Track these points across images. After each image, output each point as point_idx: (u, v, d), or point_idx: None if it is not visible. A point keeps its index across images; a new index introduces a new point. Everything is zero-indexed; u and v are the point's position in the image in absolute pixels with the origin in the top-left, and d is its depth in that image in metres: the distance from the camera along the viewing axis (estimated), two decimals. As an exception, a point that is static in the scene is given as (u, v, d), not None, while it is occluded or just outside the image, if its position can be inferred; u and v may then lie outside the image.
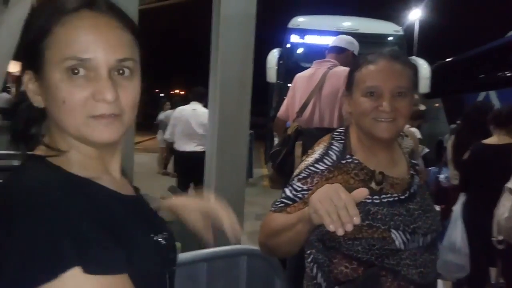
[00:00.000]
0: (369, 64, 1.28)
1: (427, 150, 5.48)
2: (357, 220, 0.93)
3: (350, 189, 0.99)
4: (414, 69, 1.34)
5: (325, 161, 1.26)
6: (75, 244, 0.60)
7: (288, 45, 8.45)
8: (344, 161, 1.26)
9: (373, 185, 1.25)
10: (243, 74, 2.56)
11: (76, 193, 0.67)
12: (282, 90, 7.23)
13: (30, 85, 0.74)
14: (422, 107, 5.37)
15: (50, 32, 0.70)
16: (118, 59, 0.72)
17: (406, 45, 8.88)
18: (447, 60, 12.76)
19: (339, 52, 3.13)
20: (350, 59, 3.00)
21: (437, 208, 5.67)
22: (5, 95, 4.96)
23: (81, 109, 0.70)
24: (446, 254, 3.15)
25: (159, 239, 0.79)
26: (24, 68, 0.74)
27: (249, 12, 2.41)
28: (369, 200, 1.21)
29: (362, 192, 0.98)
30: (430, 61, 8.89)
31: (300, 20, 8.73)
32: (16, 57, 0.84)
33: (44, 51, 0.70)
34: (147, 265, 0.74)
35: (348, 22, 8.73)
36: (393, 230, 1.21)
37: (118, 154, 0.82)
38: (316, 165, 1.26)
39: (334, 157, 1.27)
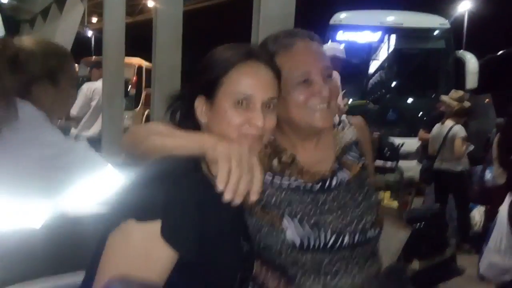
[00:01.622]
0: (288, 49, 1.14)
1: (472, 147, 5.33)
2: (255, 196, 0.89)
3: None
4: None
5: None
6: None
7: (330, 42, 8.40)
8: None
9: (275, 162, 1.16)
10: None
11: (202, 189, 0.92)
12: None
13: (200, 106, 1.05)
14: (467, 104, 5.21)
15: (227, 74, 1.01)
16: (269, 97, 1.03)
17: (453, 39, 8.56)
18: (497, 53, 12.19)
19: None
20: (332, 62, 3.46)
21: (482, 209, 5.51)
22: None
23: (238, 128, 1.00)
24: (491, 256, 3.07)
25: (245, 244, 1.05)
26: (197, 93, 1.05)
27: (288, 11, 2.48)
28: (269, 180, 1.13)
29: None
30: (480, 55, 8.55)
31: (342, 16, 8.64)
32: (191, 85, 1.10)
33: (220, 85, 1.01)
34: (228, 265, 0.99)
35: (391, 16, 8.57)
36: (286, 217, 1.10)
37: None
38: None
39: None
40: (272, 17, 2.50)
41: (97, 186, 1.36)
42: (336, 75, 3.40)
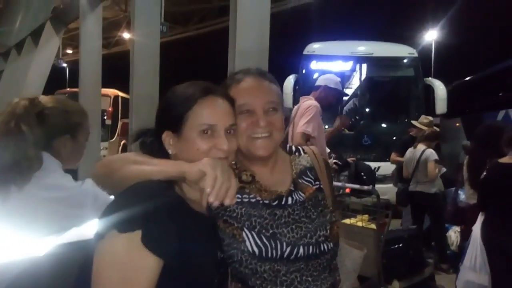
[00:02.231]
0: (238, 83, 1.29)
1: (444, 169, 5.49)
2: (230, 201, 1.01)
3: None
4: (278, 86, 1.36)
5: None
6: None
7: (304, 71, 8.62)
8: None
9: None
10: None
11: (171, 206, 1.04)
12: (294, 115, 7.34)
13: (168, 139, 1.17)
14: (436, 129, 5.42)
15: (191, 109, 1.14)
16: (229, 124, 1.17)
17: (421, 67, 8.92)
18: (465, 79, 12.72)
19: (316, 90, 3.98)
20: (322, 92, 3.90)
21: (457, 229, 5.61)
22: None
23: (207, 153, 1.12)
24: (467, 274, 3.15)
25: (219, 253, 1.17)
26: (164, 128, 1.17)
27: (263, 47, 2.58)
28: None
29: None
30: (447, 82, 8.90)
31: (315, 47, 8.90)
32: (158, 122, 1.22)
33: (186, 120, 1.14)
34: (205, 270, 1.10)
35: (362, 47, 8.87)
36: (245, 230, 1.20)
37: None
38: None
39: None
40: (247, 52, 2.60)
41: None
42: (301, 105, 3.65)
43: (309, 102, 3.76)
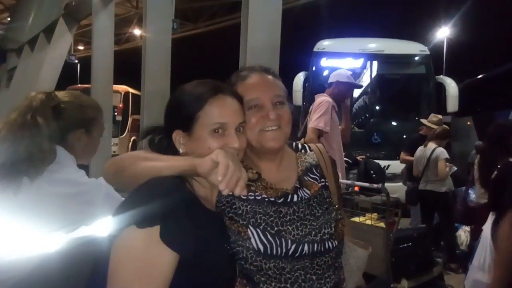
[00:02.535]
0: (244, 80, 1.31)
1: (455, 168, 5.45)
2: (240, 190, 1.02)
3: None
4: (281, 81, 1.38)
5: None
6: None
7: (314, 68, 8.59)
8: None
9: None
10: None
11: (186, 202, 1.07)
12: (308, 112, 7.33)
13: (178, 138, 1.19)
14: (446, 127, 5.38)
15: (202, 109, 1.16)
16: (239, 122, 1.20)
17: (433, 65, 8.83)
18: (477, 77, 12.59)
19: (329, 87, 4.00)
20: (335, 88, 3.93)
21: (467, 228, 5.57)
22: None
23: None
24: (476, 273, 3.13)
25: (229, 248, 1.20)
26: (174, 128, 1.19)
27: (274, 44, 2.58)
28: (235, 196, 1.24)
29: None
30: (459, 79, 8.81)
31: (325, 44, 8.86)
32: (167, 121, 1.25)
33: (197, 119, 1.16)
34: (218, 264, 1.12)
35: (373, 44, 8.81)
36: (250, 227, 1.21)
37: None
38: None
39: None
40: (259, 48, 2.61)
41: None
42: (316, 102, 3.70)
43: (321, 99, 3.78)
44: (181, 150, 1.19)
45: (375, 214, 3.64)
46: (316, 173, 1.39)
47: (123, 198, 1.34)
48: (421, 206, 5.47)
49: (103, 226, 1.41)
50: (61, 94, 1.62)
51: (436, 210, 5.31)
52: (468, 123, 11.51)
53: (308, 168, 1.38)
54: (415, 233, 4.22)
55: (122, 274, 0.98)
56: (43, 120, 1.47)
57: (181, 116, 1.17)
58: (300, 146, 1.46)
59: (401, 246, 3.76)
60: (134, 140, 14.87)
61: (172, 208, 1.02)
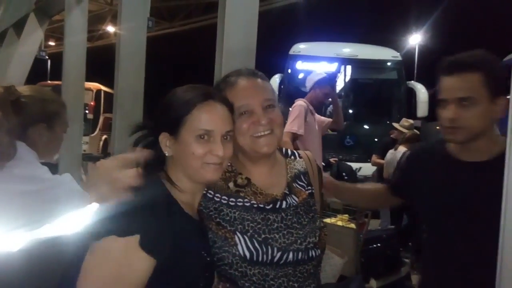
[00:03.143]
0: (233, 86, 1.30)
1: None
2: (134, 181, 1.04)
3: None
4: (269, 83, 1.38)
5: None
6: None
7: (289, 71, 8.68)
8: None
9: (231, 185, 1.29)
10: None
11: (166, 208, 1.09)
12: (283, 114, 7.36)
13: (165, 141, 1.19)
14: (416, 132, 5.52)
15: (189, 113, 1.15)
16: (226, 131, 1.19)
17: (404, 71, 9.07)
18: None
19: (309, 91, 4.10)
20: (312, 92, 4.02)
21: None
22: None
23: (201, 158, 1.15)
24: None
25: (206, 255, 1.19)
26: (161, 130, 1.19)
27: (250, 46, 2.59)
28: (225, 201, 1.26)
29: None
30: (430, 85, 9.05)
31: (301, 47, 8.98)
32: (156, 122, 1.23)
33: (184, 123, 1.15)
34: (193, 271, 1.12)
35: (347, 49, 8.98)
36: (238, 234, 1.22)
37: (201, 194, 1.26)
38: None
39: None
40: (235, 50, 2.60)
41: (82, 215, 1.39)
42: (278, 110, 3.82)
43: (296, 103, 3.85)
44: (166, 153, 1.19)
45: (346, 215, 3.71)
46: (304, 180, 1.39)
47: (88, 193, 1.31)
48: (390, 207, 5.58)
49: (67, 224, 1.36)
50: (22, 89, 1.57)
51: (404, 211, 5.43)
52: (437, 127, 11.78)
53: (296, 174, 1.39)
54: (384, 234, 4.32)
55: (96, 276, 0.99)
56: (1, 114, 1.41)
57: (169, 118, 1.17)
58: (289, 152, 1.46)
59: (370, 246, 3.84)
60: (105, 138, 14.60)
61: (152, 215, 1.04)
